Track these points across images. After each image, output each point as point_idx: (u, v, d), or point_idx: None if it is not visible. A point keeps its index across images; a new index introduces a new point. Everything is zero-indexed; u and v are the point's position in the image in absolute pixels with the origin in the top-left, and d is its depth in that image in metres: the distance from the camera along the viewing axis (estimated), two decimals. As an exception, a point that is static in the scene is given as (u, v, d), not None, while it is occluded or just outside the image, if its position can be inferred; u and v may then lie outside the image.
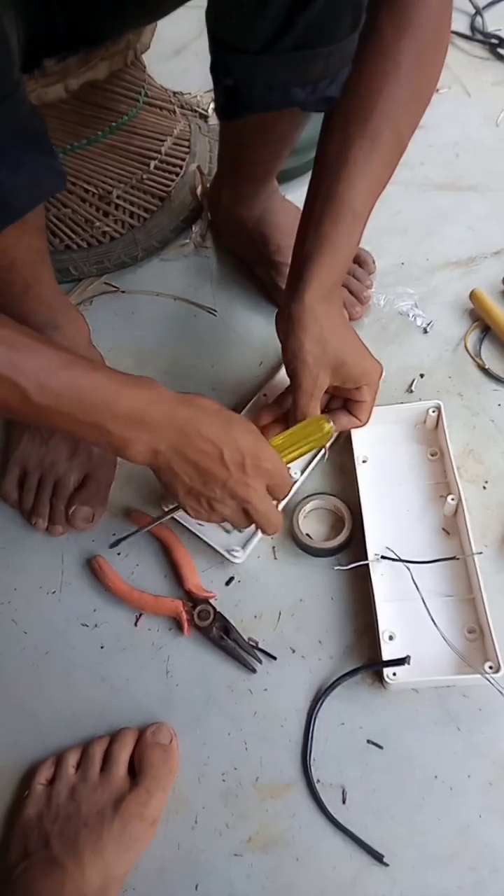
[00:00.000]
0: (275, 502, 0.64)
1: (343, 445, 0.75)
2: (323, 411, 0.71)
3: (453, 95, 1.04)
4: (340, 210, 0.62)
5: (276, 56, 0.55)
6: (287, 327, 0.64)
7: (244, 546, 0.71)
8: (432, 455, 0.74)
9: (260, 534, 0.71)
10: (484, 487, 0.73)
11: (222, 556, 0.70)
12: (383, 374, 0.70)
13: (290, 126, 0.73)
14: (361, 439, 0.74)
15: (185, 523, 0.72)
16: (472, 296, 0.83)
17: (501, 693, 0.60)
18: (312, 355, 0.64)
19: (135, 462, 0.56)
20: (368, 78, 0.60)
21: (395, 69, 0.59)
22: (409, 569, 0.65)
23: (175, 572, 0.71)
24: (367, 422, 0.72)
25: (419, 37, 0.58)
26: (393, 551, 0.67)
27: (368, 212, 0.64)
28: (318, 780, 0.61)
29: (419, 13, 0.58)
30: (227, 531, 0.72)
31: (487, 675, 0.60)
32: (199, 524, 0.72)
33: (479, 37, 1.09)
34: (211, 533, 0.72)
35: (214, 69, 0.60)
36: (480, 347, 0.82)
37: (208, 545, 0.71)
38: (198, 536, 0.72)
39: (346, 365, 0.66)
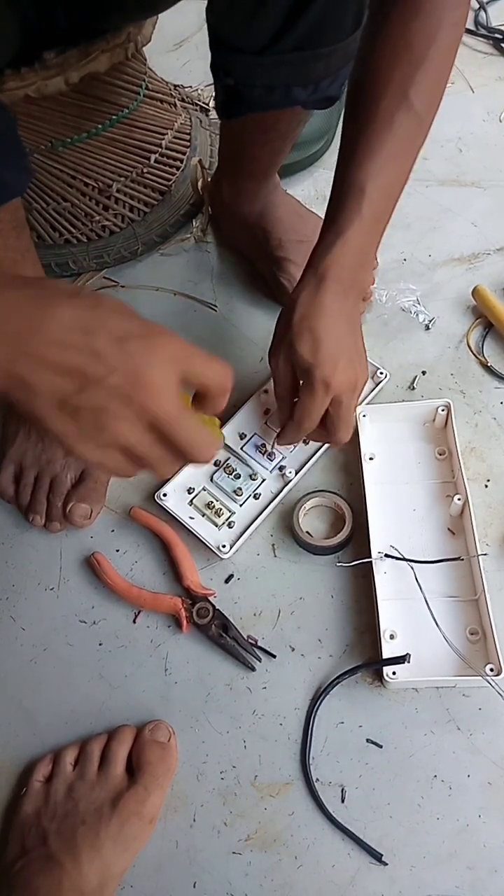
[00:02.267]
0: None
1: (349, 442, 0.74)
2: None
3: (456, 90, 1.03)
4: (349, 195, 0.60)
5: (276, 56, 0.54)
6: (282, 313, 0.63)
7: (234, 542, 0.70)
8: (440, 454, 0.73)
9: (252, 528, 0.70)
10: (486, 486, 0.72)
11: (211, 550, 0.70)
12: (366, 382, 0.67)
13: (291, 124, 0.72)
14: (369, 437, 0.74)
15: (175, 514, 0.72)
16: (475, 292, 0.82)
17: (502, 696, 0.59)
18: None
19: None
20: (380, 59, 0.59)
21: (406, 50, 0.58)
22: (412, 568, 0.65)
23: (174, 569, 0.71)
24: (342, 440, 0.66)
25: (432, 18, 0.57)
26: (397, 549, 0.66)
27: (386, 196, 0.61)
28: (317, 779, 0.61)
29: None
30: (216, 525, 0.71)
31: (488, 678, 0.59)
32: (191, 517, 0.72)
33: (482, 31, 1.08)
34: (200, 527, 0.71)
35: (215, 68, 0.59)
36: (483, 345, 0.81)
37: (199, 539, 0.71)
38: (188, 531, 0.71)
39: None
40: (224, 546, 0.70)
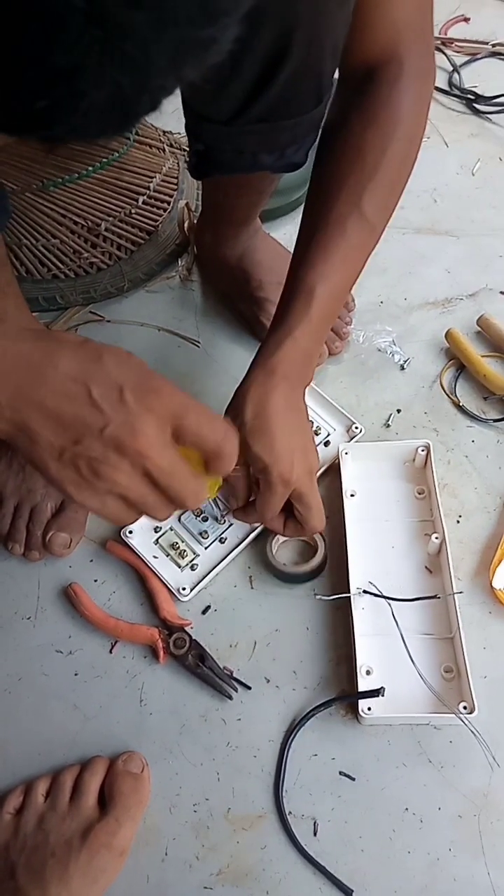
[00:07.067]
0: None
1: (330, 480, 0.76)
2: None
3: (432, 145, 1.09)
4: (300, 296, 0.61)
5: (242, 126, 0.57)
6: (233, 406, 0.62)
7: (195, 585, 0.71)
8: (419, 493, 0.75)
9: (215, 571, 0.71)
10: (458, 521, 0.74)
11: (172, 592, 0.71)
12: (319, 471, 0.65)
13: (264, 181, 0.75)
14: (350, 474, 0.75)
15: (139, 552, 0.72)
16: (448, 335, 0.86)
17: (474, 733, 0.60)
18: None
19: None
20: (334, 167, 0.61)
21: (360, 160, 0.60)
22: (390, 605, 0.66)
23: (151, 600, 0.71)
24: (316, 529, 0.64)
25: (386, 130, 0.59)
26: (375, 586, 0.67)
27: (334, 298, 0.62)
28: (290, 812, 0.61)
29: (387, 110, 0.59)
30: (179, 566, 0.71)
31: (461, 715, 0.60)
32: (154, 556, 0.72)
33: (456, 92, 1.15)
34: (163, 567, 0.72)
35: (188, 132, 0.63)
36: (455, 385, 0.84)
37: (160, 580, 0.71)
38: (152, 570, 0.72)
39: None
40: (184, 588, 0.70)
